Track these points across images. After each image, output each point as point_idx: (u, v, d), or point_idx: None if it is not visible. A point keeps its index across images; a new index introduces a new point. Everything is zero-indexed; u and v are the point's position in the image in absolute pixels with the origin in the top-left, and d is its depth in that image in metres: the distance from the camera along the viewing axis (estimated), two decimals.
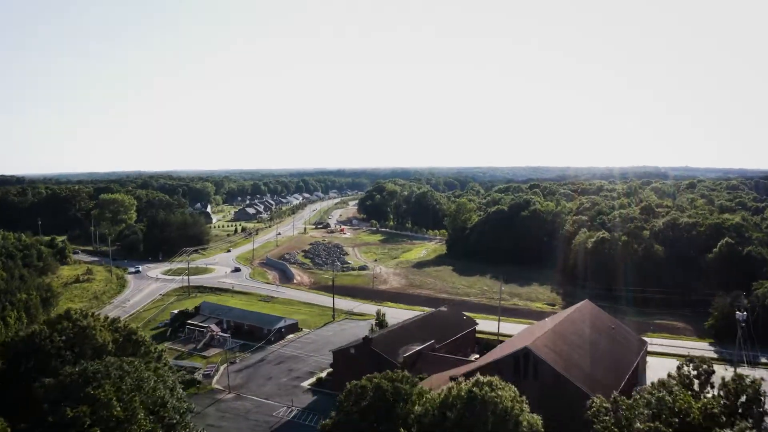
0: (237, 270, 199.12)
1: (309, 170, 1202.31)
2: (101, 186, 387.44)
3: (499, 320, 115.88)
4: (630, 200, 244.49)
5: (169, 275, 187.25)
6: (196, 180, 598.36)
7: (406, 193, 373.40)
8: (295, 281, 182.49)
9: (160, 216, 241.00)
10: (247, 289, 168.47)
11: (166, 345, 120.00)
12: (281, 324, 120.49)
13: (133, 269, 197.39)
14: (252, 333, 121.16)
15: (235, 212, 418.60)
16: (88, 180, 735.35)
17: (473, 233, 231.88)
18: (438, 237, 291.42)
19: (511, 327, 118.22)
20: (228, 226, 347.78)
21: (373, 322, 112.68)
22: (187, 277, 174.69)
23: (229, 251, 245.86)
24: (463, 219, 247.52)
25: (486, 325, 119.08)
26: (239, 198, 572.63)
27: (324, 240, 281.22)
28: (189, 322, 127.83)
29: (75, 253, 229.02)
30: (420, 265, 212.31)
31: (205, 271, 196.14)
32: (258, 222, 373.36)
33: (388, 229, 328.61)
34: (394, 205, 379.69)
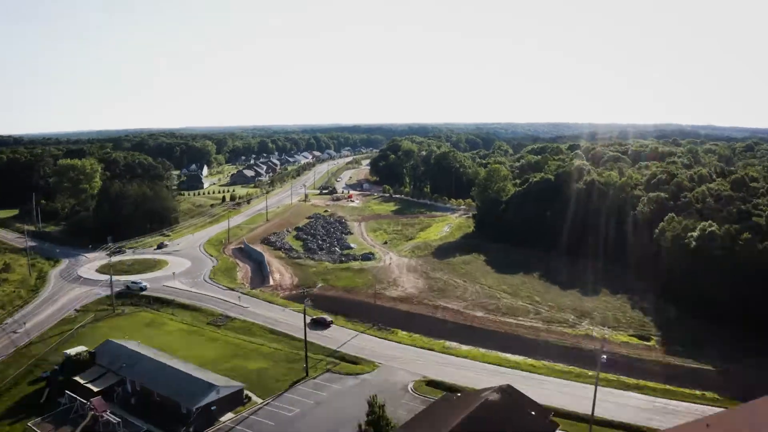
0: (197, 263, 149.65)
1: (324, 126, 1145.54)
2: (73, 149, 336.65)
3: (594, 404, 64.46)
4: (707, 170, 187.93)
5: (103, 273, 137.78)
6: (199, 138, 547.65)
7: (424, 152, 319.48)
8: (271, 282, 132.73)
9: (114, 187, 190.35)
10: (198, 299, 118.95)
11: (29, 424, 72.45)
12: (212, 396, 70.71)
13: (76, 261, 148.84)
14: (164, 409, 72.03)
15: (232, 175, 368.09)
16: (96, 138, 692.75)
17: (510, 209, 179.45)
18: (463, 207, 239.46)
19: (601, 396, 67.25)
20: (220, 192, 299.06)
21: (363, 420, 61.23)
22: (124, 279, 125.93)
23: (199, 234, 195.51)
24: (495, 189, 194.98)
25: (561, 396, 68.84)
26: (243, 157, 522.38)
27: (326, 212, 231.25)
28: (77, 379, 79.23)
29: (21, 234, 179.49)
30: (442, 252, 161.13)
31: (154, 266, 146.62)
32: (255, 186, 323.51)
33: (403, 196, 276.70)
34: (410, 166, 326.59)
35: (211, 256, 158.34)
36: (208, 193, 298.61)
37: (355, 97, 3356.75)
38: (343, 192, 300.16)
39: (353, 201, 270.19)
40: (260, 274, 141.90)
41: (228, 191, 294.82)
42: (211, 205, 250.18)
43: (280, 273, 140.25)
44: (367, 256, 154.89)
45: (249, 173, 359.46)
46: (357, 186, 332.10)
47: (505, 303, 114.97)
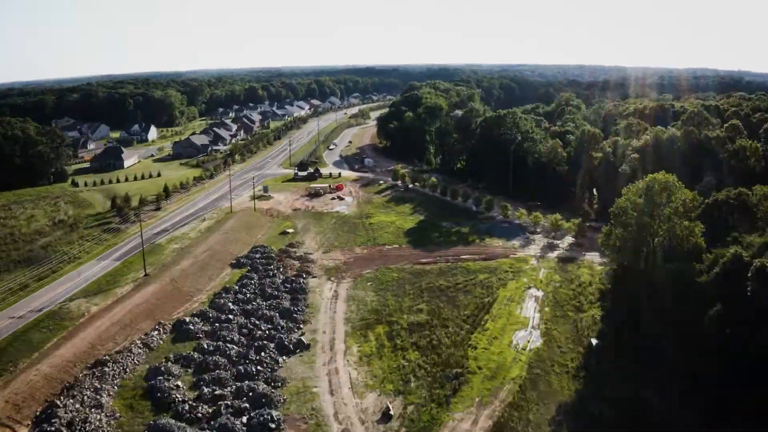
0: None
1: (338, 68, 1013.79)
2: None
3: None
4: None
5: None
6: (161, 87, 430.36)
7: (459, 112, 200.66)
8: None
9: None
10: None
11: None
12: None
13: None
14: None
15: (175, 143, 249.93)
16: (47, 87, 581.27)
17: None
18: (544, 226, 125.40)
19: None
20: (139, 178, 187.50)
21: None
22: None
23: None
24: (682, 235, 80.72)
25: None
26: (221, 109, 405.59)
27: (287, 232, 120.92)
28: None
29: None
30: None
31: None
32: (201, 164, 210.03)
33: (428, 191, 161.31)
34: (436, 131, 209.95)
35: None
36: (115, 182, 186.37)
37: (371, 36, 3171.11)
38: (330, 176, 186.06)
39: (343, 198, 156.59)
40: None
41: (144, 181, 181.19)
42: (59, 223, 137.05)
43: None
44: None
45: (203, 139, 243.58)
46: (357, 160, 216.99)
47: None
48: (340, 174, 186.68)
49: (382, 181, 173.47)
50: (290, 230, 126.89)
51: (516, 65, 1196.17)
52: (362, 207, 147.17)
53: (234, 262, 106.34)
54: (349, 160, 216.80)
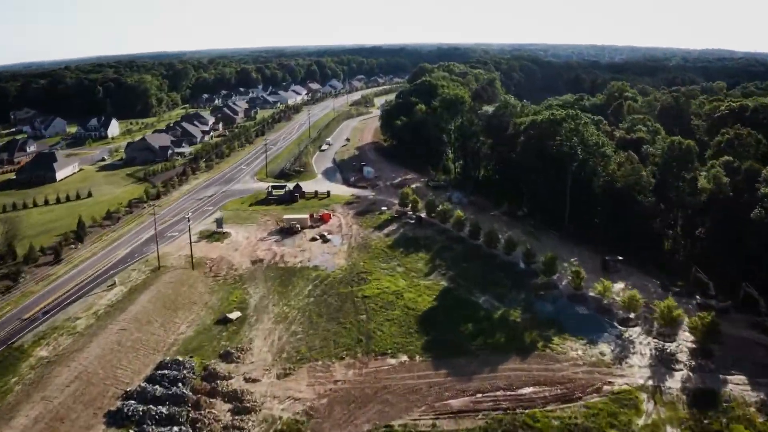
0: None
1: (344, 47, 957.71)
2: None
3: None
4: None
5: None
6: (144, 70, 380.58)
7: (489, 109, 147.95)
8: None
9: None
10: None
11: None
12: None
13: None
14: None
15: (128, 145, 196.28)
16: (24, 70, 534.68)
17: None
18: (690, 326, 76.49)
19: None
20: (65, 197, 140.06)
21: None
22: None
23: None
24: None
25: None
26: (206, 96, 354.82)
27: (231, 320, 76.21)
28: None
29: None
30: None
31: None
32: (150, 175, 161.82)
33: (451, 227, 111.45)
34: (457, 131, 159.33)
35: None
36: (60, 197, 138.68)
37: (378, 13, 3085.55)
38: (316, 195, 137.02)
39: (328, 240, 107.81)
40: None
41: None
42: None
43: None
44: None
45: (162, 140, 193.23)
46: (354, 167, 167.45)
47: None
48: (329, 193, 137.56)
49: (385, 207, 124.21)
50: (235, 314, 78.76)
51: (528, 44, 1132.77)
52: (355, 255, 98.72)
53: (113, 410, 58.32)
54: (345, 168, 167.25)
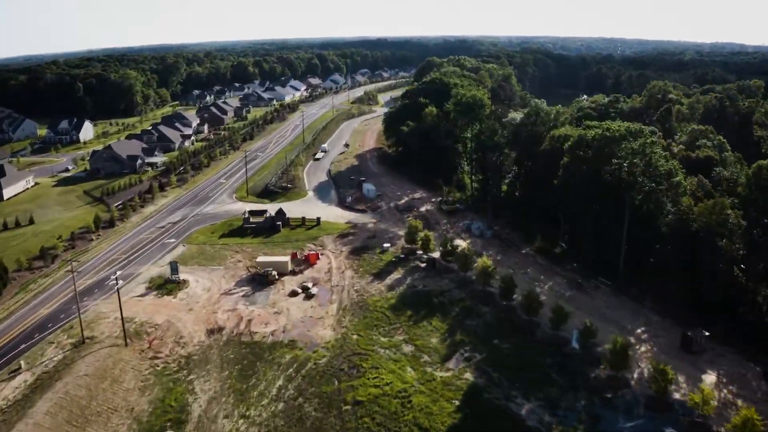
0: None
1: (348, 39, 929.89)
2: None
3: None
4: None
5: None
6: (128, 65, 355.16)
7: (516, 117, 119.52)
8: None
9: None
10: None
11: None
12: None
13: None
14: None
15: (92, 155, 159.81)
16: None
17: None
18: None
19: None
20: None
21: None
22: None
23: None
24: None
25: None
26: (197, 92, 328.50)
27: None
28: None
29: None
30: None
31: None
32: (122, 185, 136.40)
33: (474, 279, 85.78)
34: (474, 141, 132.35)
35: None
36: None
37: (382, 5, 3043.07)
38: (303, 223, 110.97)
39: (312, 295, 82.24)
40: None
41: None
42: None
43: None
44: None
45: (132, 147, 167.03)
46: (351, 183, 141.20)
47: None
48: (318, 220, 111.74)
49: (388, 244, 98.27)
50: None
51: (535, 37, 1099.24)
52: (346, 322, 73.43)
53: None
54: (341, 183, 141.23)
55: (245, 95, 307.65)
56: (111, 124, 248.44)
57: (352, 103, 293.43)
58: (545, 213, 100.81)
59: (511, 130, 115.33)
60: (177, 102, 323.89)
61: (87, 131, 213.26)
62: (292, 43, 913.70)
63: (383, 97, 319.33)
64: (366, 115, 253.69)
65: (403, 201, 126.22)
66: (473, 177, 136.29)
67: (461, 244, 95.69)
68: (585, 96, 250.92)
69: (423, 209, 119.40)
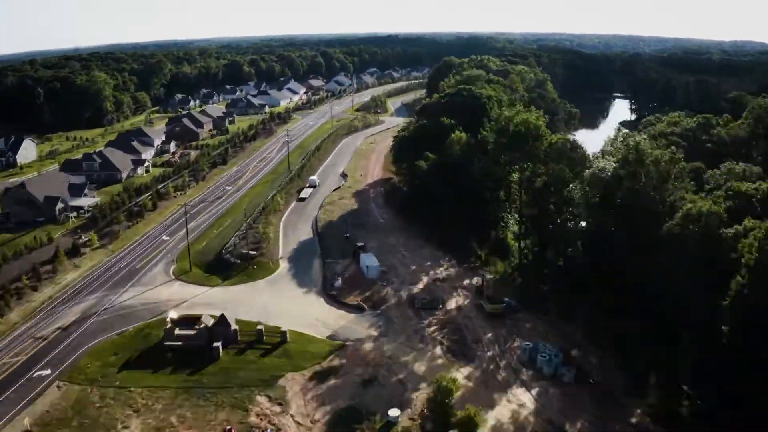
0: None
1: (358, 35, 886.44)
2: None
3: None
4: None
5: None
6: (109, 65, 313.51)
7: (608, 167, 75.16)
8: None
9: None
10: None
11: None
12: None
13: None
14: None
15: (5, 193, 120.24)
16: None
17: None
18: None
19: None
20: None
21: None
22: None
23: None
24: None
25: None
26: (179, 96, 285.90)
27: None
28: None
29: None
30: None
31: None
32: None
33: None
34: (525, 187, 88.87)
35: None
36: None
37: (394, 1, 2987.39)
38: (263, 339, 67.06)
39: None
40: None
41: None
42: None
43: None
44: None
45: (56, 184, 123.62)
46: (346, 242, 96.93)
47: None
48: (285, 336, 67.79)
49: (396, 412, 53.77)
50: None
51: (550, 34, 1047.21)
52: None
53: None
54: (330, 247, 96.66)
55: (233, 100, 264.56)
56: (68, 138, 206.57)
57: (357, 110, 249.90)
58: (669, 332, 57.32)
59: (597, 185, 71.12)
60: (157, 108, 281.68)
61: (27, 151, 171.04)
62: (300, 39, 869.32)
63: (393, 103, 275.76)
64: (372, 127, 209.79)
65: (420, 284, 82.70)
66: (523, 241, 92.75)
67: (524, 401, 52.73)
68: (616, 100, 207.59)
69: (453, 305, 75.98)
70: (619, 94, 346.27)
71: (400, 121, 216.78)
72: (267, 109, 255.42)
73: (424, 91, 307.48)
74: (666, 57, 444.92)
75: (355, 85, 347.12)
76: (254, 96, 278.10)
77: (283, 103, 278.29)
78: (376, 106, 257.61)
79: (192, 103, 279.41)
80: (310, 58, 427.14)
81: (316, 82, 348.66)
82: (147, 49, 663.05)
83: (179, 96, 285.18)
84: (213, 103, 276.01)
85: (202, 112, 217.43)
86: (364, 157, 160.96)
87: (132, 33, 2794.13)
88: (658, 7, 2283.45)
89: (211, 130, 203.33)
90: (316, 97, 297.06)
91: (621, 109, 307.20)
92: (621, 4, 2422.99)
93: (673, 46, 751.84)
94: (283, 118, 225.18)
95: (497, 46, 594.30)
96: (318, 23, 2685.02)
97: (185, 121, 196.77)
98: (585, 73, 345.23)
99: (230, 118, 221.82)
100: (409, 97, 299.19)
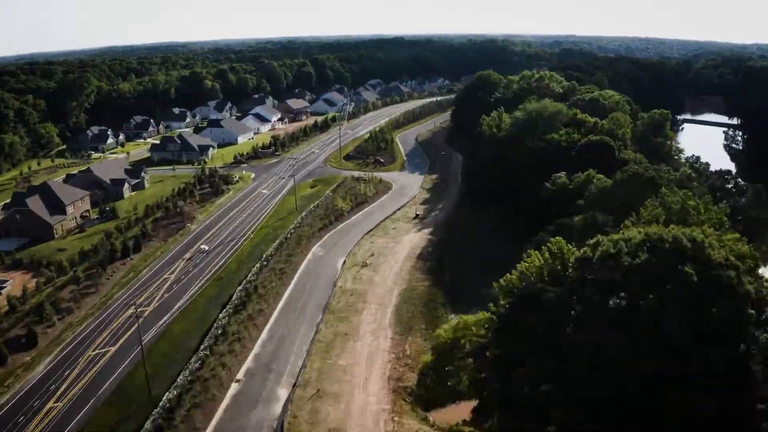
0: None
1: (363, 37, 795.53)
2: None
3: None
4: None
5: None
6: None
7: None
8: None
9: None
10: None
11: None
12: None
13: None
14: None
15: None
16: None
17: None
18: None
19: None
20: None
21: None
22: None
23: None
24: None
25: None
26: (96, 130, 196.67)
27: None
28: None
29: None
30: None
31: None
32: None
33: None
34: None
35: None
36: None
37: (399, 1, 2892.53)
38: None
39: None
40: None
41: None
42: None
43: None
44: None
45: None
46: None
47: None
48: None
49: None
50: None
51: (566, 36, 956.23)
52: None
53: None
54: None
55: (163, 141, 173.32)
56: None
57: (347, 157, 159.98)
58: None
59: None
60: (65, 147, 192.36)
61: None
62: (298, 41, 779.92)
63: (404, 140, 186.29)
64: (368, 204, 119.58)
65: None
66: None
67: None
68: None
69: None
70: (701, 117, 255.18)
71: (416, 184, 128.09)
72: (210, 154, 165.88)
73: (448, 115, 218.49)
74: (735, 63, 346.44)
75: (351, 107, 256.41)
76: (196, 131, 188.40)
77: (242, 139, 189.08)
78: (377, 149, 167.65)
79: (111, 140, 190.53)
80: (296, 67, 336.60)
81: (297, 103, 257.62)
82: (134, 53, 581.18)
83: (96, 130, 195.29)
84: (146, 137, 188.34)
85: (94, 174, 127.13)
86: (346, 322, 70.31)
87: (131, 35, 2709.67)
88: (678, 9, 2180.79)
89: (85, 215, 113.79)
90: (291, 130, 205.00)
91: (702, 141, 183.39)
92: (633, 5, 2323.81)
93: (701, 50, 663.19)
94: (225, 178, 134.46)
95: (516, 50, 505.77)
96: (318, 26, 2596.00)
97: (33, 202, 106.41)
98: (646, 83, 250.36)
99: (135, 180, 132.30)
100: (425, 127, 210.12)
